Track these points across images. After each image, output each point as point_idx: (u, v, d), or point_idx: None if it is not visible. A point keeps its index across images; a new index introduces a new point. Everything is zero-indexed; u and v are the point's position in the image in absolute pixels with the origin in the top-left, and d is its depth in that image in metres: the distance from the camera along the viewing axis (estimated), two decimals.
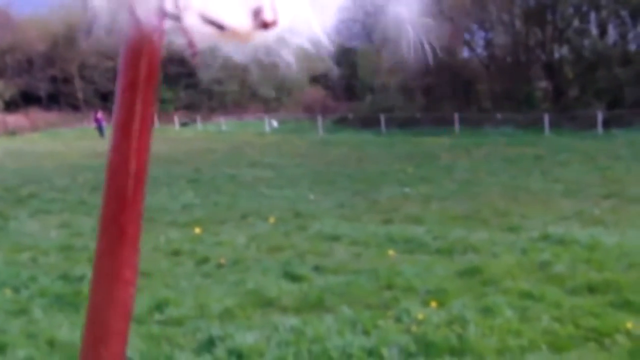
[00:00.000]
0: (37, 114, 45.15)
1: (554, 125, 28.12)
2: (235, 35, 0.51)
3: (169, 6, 0.49)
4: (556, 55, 35.92)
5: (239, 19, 0.50)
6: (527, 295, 5.74)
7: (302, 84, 49.89)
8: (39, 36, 49.64)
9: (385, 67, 42.45)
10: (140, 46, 0.53)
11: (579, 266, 6.64)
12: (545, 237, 7.99)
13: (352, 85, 49.56)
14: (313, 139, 31.00)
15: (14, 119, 42.90)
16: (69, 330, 5.29)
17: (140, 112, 0.57)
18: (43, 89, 49.73)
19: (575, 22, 35.15)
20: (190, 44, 0.52)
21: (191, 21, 0.50)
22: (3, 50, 48.44)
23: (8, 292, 6.61)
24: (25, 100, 47.63)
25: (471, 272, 6.59)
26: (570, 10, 34.92)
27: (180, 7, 0.49)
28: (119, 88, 0.58)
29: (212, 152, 24.85)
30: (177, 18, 0.50)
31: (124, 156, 0.57)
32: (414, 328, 5.04)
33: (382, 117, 34.51)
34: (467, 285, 6.20)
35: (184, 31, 0.51)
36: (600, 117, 27.47)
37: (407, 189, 12.73)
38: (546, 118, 28.53)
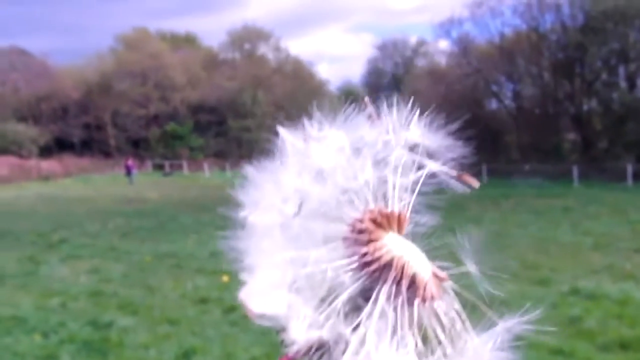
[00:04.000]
0: (70, 160, 45.97)
1: (583, 177, 27.91)
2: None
3: None
4: (585, 107, 35.86)
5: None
6: (558, 351, 5.66)
7: None
8: (74, 84, 50.90)
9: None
10: None
11: (610, 322, 6.54)
12: (576, 292, 7.89)
13: None
14: None
15: (48, 165, 43.69)
16: None
17: None
18: (77, 135, 50.74)
19: (604, 75, 35.18)
20: None
21: None
22: (39, 97, 49.70)
23: (37, 337, 6.69)
24: (59, 146, 48.61)
25: None
26: (599, 63, 34.99)
27: None
28: None
29: None
30: None
31: None
32: None
33: None
34: None
35: None
36: (630, 169, 27.21)
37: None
38: (575, 170, 28.35)
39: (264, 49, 59.14)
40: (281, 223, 0.78)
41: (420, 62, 54.76)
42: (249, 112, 50.97)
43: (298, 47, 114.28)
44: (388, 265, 0.76)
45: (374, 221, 0.79)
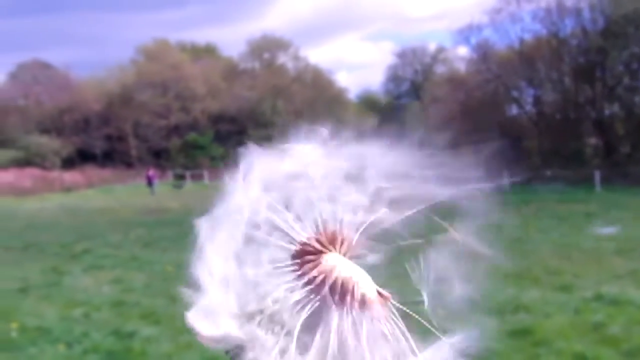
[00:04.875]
0: (92, 171, 46.38)
1: (605, 182, 27.63)
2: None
3: None
4: (606, 112, 35.54)
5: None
6: (581, 357, 5.61)
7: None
8: (96, 96, 51.46)
9: (433, 124, 42.62)
10: None
11: (634, 328, 6.47)
12: (599, 297, 7.81)
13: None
14: None
15: (70, 176, 44.15)
16: None
17: None
18: (98, 147, 51.25)
19: (626, 79, 34.86)
20: None
21: None
22: (62, 110, 50.31)
23: (61, 348, 6.76)
24: (82, 157, 49.12)
25: (523, 332, 6.47)
26: (620, 67, 34.69)
27: None
28: None
29: None
30: None
31: None
32: None
33: None
34: (518, 346, 6.09)
35: None
36: None
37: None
38: (597, 175, 28.06)
39: (283, 59, 59.48)
40: (234, 250, 0.80)
41: (440, 69, 54.72)
42: (268, 121, 51.16)
43: (317, 55, 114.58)
44: (338, 287, 0.79)
45: (320, 243, 0.81)
